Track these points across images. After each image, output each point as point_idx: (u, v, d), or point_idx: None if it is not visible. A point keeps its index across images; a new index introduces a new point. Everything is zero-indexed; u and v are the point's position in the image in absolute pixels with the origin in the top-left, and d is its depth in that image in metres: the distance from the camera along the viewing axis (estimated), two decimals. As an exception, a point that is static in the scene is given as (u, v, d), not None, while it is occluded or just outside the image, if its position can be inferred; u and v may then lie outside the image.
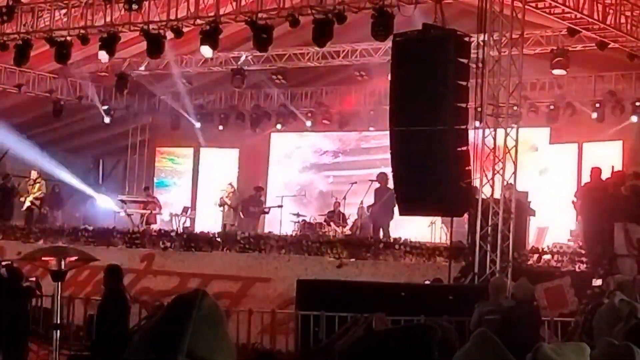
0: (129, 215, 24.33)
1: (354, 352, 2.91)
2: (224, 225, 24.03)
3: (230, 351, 2.38)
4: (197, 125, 27.52)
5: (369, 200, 22.38)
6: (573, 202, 18.96)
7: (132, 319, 15.90)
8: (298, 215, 23.43)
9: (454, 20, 16.67)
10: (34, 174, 24.22)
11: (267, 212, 24.78)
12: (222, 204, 24.47)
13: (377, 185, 21.81)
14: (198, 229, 22.83)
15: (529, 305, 11.96)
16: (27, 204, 23.80)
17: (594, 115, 22.63)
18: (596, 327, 10.36)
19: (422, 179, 15.36)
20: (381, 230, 20.96)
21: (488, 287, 12.14)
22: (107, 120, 27.26)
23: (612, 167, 17.88)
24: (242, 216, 24.40)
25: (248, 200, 24.81)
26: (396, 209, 18.12)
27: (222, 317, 2.38)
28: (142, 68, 24.90)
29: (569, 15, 17.70)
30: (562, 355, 2.89)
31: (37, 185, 23.90)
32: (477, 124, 16.09)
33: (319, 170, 26.91)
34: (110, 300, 12.98)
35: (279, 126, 26.97)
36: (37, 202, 23.96)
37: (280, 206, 23.54)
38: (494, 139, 15.75)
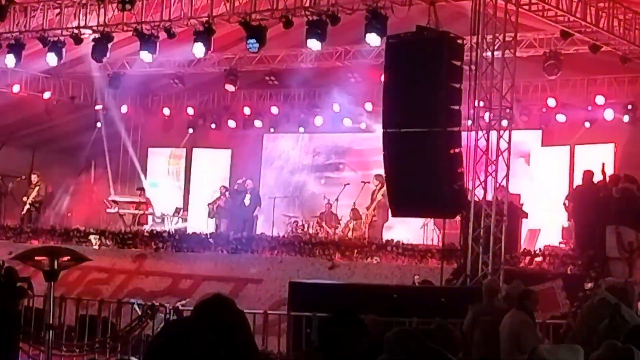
0: (121, 215, 24.29)
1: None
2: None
3: (254, 350, 2.40)
4: (190, 125, 27.52)
5: (362, 201, 22.39)
6: (564, 204, 18.97)
7: (122, 319, 15.96)
8: (290, 216, 23.40)
9: (447, 23, 16.66)
10: (34, 178, 24.42)
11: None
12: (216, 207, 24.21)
13: (372, 187, 21.78)
14: (190, 229, 22.80)
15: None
16: (27, 206, 24.02)
17: (586, 118, 22.66)
18: (578, 326, 10.41)
19: (415, 181, 15.36)
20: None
21: (482, 288, 12.14)
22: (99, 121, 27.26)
23: (603, 164, 17.83)
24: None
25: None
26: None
27: (245, 318, 2.38)
28: (135, 68, 24.84)
29: (561, 18, 17.73)
30: (556, 356, 2.91)
31: (36, 189, 24.12)
32: (470, 125, 16.10)
33: (311, 172, 26.88)
34: None
35: (271, 127, 26.96)
36: (37, 205, 24.20)
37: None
38: (487, 141, 15.78)
